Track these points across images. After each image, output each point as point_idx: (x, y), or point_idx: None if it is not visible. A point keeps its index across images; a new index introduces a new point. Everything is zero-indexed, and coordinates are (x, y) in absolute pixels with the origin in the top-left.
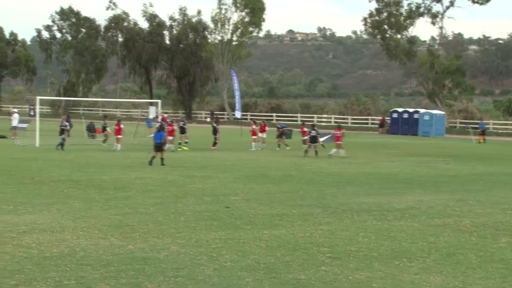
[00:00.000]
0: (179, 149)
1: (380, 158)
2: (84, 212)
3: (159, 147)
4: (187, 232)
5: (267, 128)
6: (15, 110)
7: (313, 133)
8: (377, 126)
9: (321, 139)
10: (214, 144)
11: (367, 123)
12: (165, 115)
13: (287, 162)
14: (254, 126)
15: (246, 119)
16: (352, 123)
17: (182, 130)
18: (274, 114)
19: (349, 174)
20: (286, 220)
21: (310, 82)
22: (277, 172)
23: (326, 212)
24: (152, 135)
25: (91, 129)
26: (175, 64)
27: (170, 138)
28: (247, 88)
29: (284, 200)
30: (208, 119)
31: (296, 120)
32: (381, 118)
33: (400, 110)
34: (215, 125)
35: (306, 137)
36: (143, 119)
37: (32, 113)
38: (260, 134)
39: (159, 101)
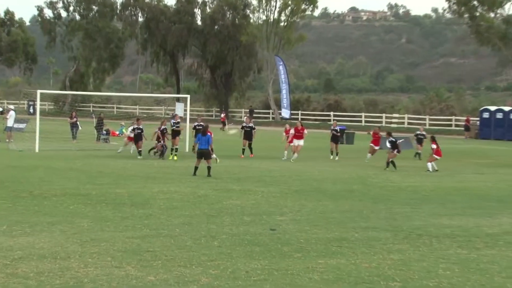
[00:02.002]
0: (169, 158)
1: (466, 169)
2: (94, 234)
3: (204, 154)
4: (221, 260)
5: (306, 132)
6: (11, 107)
7: (391, 141)
8: (462, 128)
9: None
10: (244, 150)
11: (450, 125)
12: (223, 114)
13: (348, 173)
14: (289, 130)
15: (297, 119)
16: (431, 124)
17: (176, 133)
18: (331, 113)
19: (426, 190)
20: (346, 246)
21: (377, 73)
22: (335, 186)
23: (397, 237)
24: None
25: (100, 126)
26: (209, 50)
27: (158, 143)
28: (297, 81)
29: (344, 222)
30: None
31: (360, 121)
32: (466, 118)
33: (493, 108)
34: (250, 125)
35: (377, 146)
36: (168, 119)
37: (31, 110)
38: (295, 141)
39: (188, 96)
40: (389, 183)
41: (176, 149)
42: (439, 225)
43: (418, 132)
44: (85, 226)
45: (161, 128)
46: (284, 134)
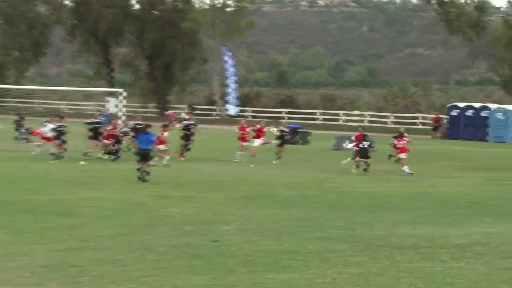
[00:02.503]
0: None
1: (434, 173)
2: (12, 247)
3: (145, 155)
4: (158, 276)
5: (266, 130)
6: None
7: (365, 144)
8: (430, 127)
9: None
10: (181, 150)
11: (415, 123)
12: (170, 112)
13: (303, 177)
14: (245, 128)
15: (244, 116)
16: (395, 123)
17: (97, 134)
18: (284, 110)
19: (390, 196)
20: (298, 259)
21: (336, 65)
22: (288, 191)
23: (356, 248)
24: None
25: (19, 124)
26: (146, 38)
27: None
28: (247, 73)
29: (296, 231)
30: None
31: (315, 119)
32: (434, 116)
33: (463, 105)
34: (193, 122)
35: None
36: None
37: None
38: (256, 142)
39: (122, 90)
40: (348, 188)
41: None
42: (402, 235)
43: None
44: (2, 238)
45: (124, 130)
46: (240, 130)
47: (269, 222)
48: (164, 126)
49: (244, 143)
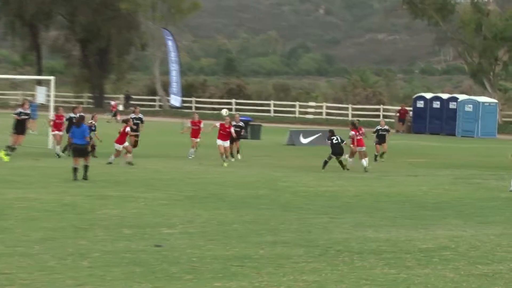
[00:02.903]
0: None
1: (397, 171)
2: None
3: (81, 151)
4: (92, 285)
5: (202, 125)
6: None
7: (336, 140)
8: (393, 120)
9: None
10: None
11: (378, 116)
12: (114, 102)
13: (254, 176)
14: (197, 123)
15: (191, 108)
16: (355, 115)
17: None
18: (233, 101)
19: (349, 195)
20: (249, 266)
21: (290, 51)
22: (237, 191)
23: (312, 253)
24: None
25: None
26: (78, 21)
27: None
28: (192, 60)
29: (246, 235)
30: (120, 107)
31: (269, 111)
32: (399, 108)
33: (429, 96)
34: (140, 116)
35: (355, 147)
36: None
37: None
38: (220, 142)
39: (51, 78)
40: (303, 188)
41: (13, 148)
42: (363, 238)
43: (379, 128)
44: None
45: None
46: (189, 124)
47: (216, 224)
48: (125, 121)
49: (196, 139)
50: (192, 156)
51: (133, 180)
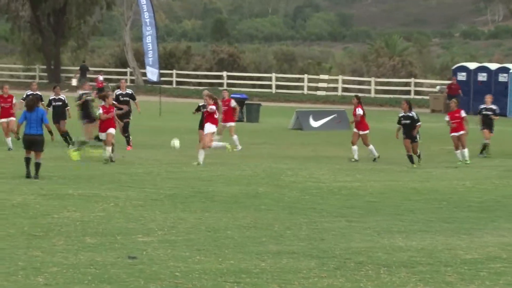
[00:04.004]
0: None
1: (433, 160)
2: None
3: (34, 142)
4: None
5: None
6: None
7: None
8: (426, 98)
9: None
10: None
11: (408, 92)
12: (101, 77)
13: (251, 168)
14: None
15: (171, 83)
16: (378, 91)
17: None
18: (224, 74)
19: (372, 193)
20: (247, 282)
21: (295, 10)
22: (230, 188)
23: (326, 266)
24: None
25: None
26: None
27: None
28: (171, 23)
29: (243, 244)
30: (74, 82)
31: (269, 86)
32: (449, 82)
33: (473, 66)
34: (128, 92)
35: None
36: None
37: None
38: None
39: None
40: (314, 183)
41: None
42: (390, 247)
43: (483, 106)
44: None
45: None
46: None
47: (205, 231)
48: (103, 97)
49: (228, 124)
50: (221, 146)
51: (98, 175)
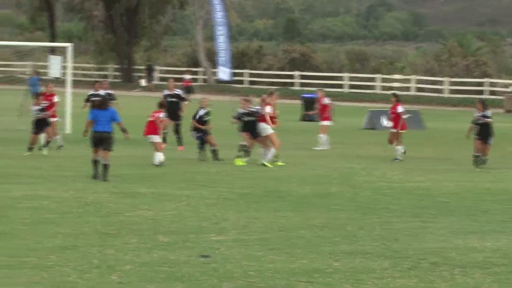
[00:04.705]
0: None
1: (507, 161)
2: None
3: (104, 140)
4: None
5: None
6: None
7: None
8: (501, 98)
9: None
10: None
11: (481, 92)
12: (187, 76)
13: (324, 168)
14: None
15: (242, 82)
16: (452, 91)
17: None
18: (296, 73)
19: (446, 193)
20: (320, 282)
21: (368, 10)
22: (302, 188)
23: (400, 266)
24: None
25: None
26: None
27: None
28: (243, 22)
29: (316, 243)
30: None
31: (341, 86)
32: None
33: None
34: (177, 92)
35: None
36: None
37: None
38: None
39: (68, 45)
40: (387, 183)
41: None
42: (464, 248)
43: None
44: None
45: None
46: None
47: (278, 230)
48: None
49: (325, 123)
50: (323, 146)
51: (171, 174)
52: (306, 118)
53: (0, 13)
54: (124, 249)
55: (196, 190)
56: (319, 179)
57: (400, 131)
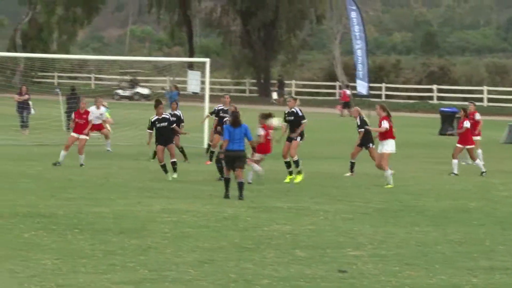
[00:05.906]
0: None
1: None
2: (62, 278)
3: (237, 158)
4: None
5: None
6: None
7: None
8: None
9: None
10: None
11: None
12: (348, 92)
13: (462, 183)
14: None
15: (380, 96)
16: None
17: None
18: (434, 87)
19: None
20: None
21: (508, 22)
22: (440, 202)
23: None
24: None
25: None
26: None
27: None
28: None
29: (454, 259)
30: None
31: (481, 99)
32: None
33: None
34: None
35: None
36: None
37: None
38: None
39: (206, 60)
40: None
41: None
42: None
43: None
44: (49, 265)
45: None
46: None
47: (415, 245)
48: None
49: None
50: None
51: (306, 188)
52: (447, 133)
53: (141, 29)
54: (261, 263)
55: (333, 205)
56: (457, 194)
57: (468, 146)
